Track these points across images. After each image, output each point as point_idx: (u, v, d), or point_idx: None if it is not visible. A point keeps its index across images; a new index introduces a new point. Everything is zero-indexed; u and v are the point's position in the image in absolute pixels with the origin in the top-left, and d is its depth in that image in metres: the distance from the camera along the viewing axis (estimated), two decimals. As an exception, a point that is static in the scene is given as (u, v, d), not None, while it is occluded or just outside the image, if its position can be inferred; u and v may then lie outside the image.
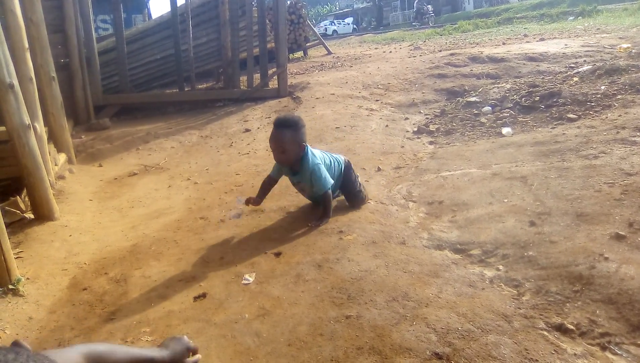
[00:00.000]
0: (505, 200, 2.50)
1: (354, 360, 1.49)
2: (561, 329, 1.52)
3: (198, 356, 1.42)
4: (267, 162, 3.97)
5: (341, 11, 53.13)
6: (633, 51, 5.66)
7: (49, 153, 3.79)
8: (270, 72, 7.34)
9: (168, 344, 1.37)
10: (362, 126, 4.86)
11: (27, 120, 2.94)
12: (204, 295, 2.00)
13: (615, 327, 1.49)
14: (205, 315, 1.85)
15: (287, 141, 2.47)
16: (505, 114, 4.44)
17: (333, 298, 1.84)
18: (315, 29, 16.53)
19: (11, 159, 3.10)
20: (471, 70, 6.61)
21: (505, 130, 4.06)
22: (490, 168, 3.08)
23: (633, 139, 3.02)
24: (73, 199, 3.59)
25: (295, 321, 1.73)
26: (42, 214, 3.02)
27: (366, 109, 5.57)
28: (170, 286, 2.14)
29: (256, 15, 7.63)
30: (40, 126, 3.56)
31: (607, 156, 2.81)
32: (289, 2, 12.34)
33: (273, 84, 7.28)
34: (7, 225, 2.54)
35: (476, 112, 4.78)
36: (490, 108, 4.77)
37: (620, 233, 1.92)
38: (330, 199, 2.63)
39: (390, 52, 10.80)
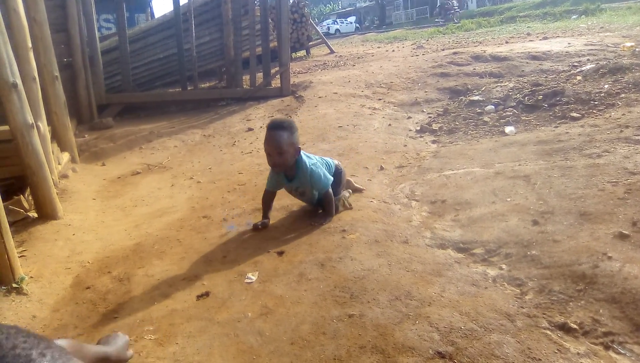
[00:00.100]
0: (508, 199, 2.49)
1: (357, 359, 1.49)
2: (564, 328, 1.52)
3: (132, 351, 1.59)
4: (269, 161, 3.97)
5: (344, 10, 53.14)
6: (637, 49, 5.64)
7: (52, 152, 3.80)
8: (273, 71, 7.34)
9: (110, 341, 1.50)
10: (365, 125, 4.86)
11: (30, 119, 2.95)
12: (206, 294, 2.00)
13: (619, 326, 1.48)
14: (208, 313, 1.86)
15: (284, 142, 2.44)
16: (508, 113, 4.43)
17: (336, 297, 1.84)
18: (318, 28, 16.51)
19: (15, 158, 3.11)
20: (474, 69, 6.60)
21: (508, 129, 4.05)
22: (493, 166, 3.07)
23: (637, 138, 3.00)
24: (76, 198, 3.59)
25: (298, 320, 1.73)
26: (46, 213, 3.03)
27: (369, 108, 5.56)
28: (173, 285, 2.14)
29: (259, 14, 7.63)
30: (44, 125, 3.57)
31: (611, 155, 2.80)
32: (291, 1, 12.34)
33: (276, 83, 7.28)
34: (11, 224, 2.55)
35: (479, 111, 4.77)
36: (493, 107, 4.75)
37: (624, 232, 1.91)
38: (332, 198, 2.61)
39: (393, 51, 10.79)
